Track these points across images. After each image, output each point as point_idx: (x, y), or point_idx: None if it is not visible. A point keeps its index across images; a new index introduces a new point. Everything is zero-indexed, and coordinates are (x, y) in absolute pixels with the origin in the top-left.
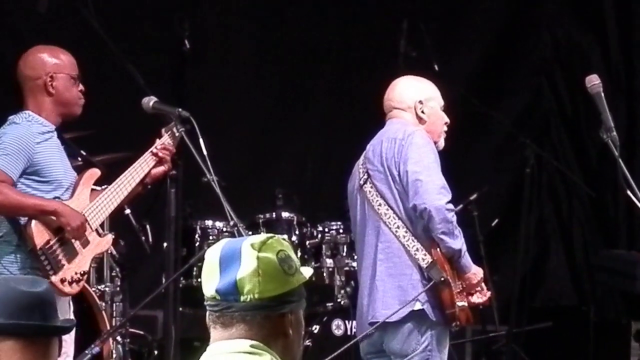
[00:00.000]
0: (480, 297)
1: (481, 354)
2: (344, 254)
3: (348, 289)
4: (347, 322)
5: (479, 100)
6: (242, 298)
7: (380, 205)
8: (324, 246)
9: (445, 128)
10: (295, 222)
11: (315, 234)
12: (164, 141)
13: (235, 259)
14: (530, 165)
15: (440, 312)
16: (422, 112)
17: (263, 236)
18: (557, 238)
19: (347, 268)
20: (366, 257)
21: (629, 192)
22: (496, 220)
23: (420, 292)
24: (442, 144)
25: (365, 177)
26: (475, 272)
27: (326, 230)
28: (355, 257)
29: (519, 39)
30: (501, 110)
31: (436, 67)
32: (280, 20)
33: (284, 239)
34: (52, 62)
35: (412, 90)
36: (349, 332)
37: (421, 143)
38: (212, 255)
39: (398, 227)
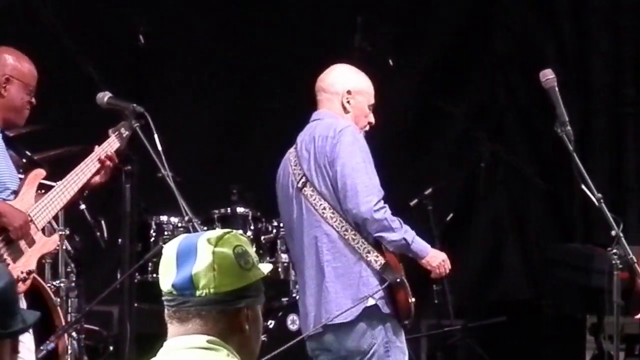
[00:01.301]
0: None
1: (436, 349)
2: None
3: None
4: (300, 318)
5: (435, 95)
6: (197, 293)
7: (324, 208)
8: (279, 241)
9: (368, 127)
10: (250, 217)
11: (270, 229)
12: (111, 143)
13: (191, 254)
14: (485, 159)
15: (393, 306)
16: (348, 102)
17: (220, 231)
18: (512, 232)
19: None
20: (307, 258)
21: (583, 186)
22: (451, 215)
23: (375, 292)
24: None
25: (304, 179)
26: (434, 256)
27: (281, 225)
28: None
29: (474, 34)
30: (457, 105)
31: (391, 63)
32: (236, 16)
33: (241, 235)
34: (13, 66)
35: (345, 79)
36: None
37: (349, 141)
38: (169, 250)
39: (346, 230)
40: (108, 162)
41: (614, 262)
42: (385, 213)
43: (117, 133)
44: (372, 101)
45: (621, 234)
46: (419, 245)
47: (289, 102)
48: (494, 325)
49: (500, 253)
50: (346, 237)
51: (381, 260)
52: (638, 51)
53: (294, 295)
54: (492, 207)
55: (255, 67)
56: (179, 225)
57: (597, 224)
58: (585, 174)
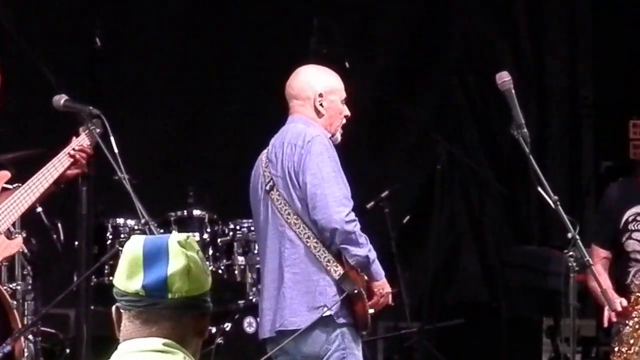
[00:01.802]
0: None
1: (393, 351)
2: (256, 252)
3: (259, 286)
4: (258, 319)
5: (391, 98)
6: (169, 295)
7: (289, 214)
8: (235, 244)
9: (344, 121)
10: (206, 220)
11: (226, 231)
12: (81, 142)
13: (161, 256)
14: (441, 162)
15: (351, 317)
16: (321, 105)
17: (184, 235)
18: (468, 235)
19: (258, 265)
20: (269, 261)
21: (539, 189)
22: (408, 217)
23: (333, 305)
24: (338, 138)
25: (271, 183)
26: (386, 283)
27: (237, 227)
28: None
29: (430, 36)
30: (413, 107)
31: (347, 65)
32: (192, 19)
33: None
34: None
35: (314, 82)
36: None
37: (319, 151)
38: (133, 251)
39: (309, 238)
40: (82, 154)
41: (570, 264)
42: (356, 226)
43: (87, 131)
44: (344, 95)
45: (577, 236)
46: (378, 267)
47: (246, 105)
48: (450, 328)
49: (457, 255)
50: (308, 244)
51: (340, 270)
52: (595, 53)
53: (250, 297)
54: (448, 210)
55: (212, 69)
56: (136, 227)
57: (554, 227)
58: (542, 177)
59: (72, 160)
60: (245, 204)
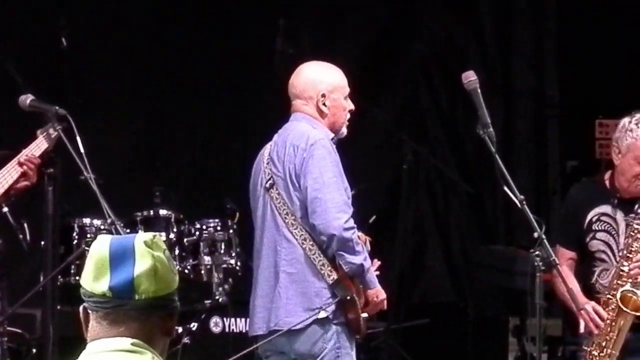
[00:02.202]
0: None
1: (359, 351)
2: (222, 251)
3: (226, 286)
4: (225, 319)
5: (357, 97)
6: (136, 296)
7: (287, 214)
8: (201, 243)
9: (349, 115)
10: (173, 220)
11: (193, 231)
12: (33, 149)
13: (128, 257)
14: (407, 161)
15: (344, 319)
16: (324, 104)
17: (150, 234)
18: (434, 234)
19: (225, 265)
20: (265, 258)
21: (506, 188)
22: (374, 217)
23: (327, 305)
24: (344, 132)
25: (271, 181)
26: (381, 290)
27: (204, 227)
28: (233, 253)
29: (397, 35)
30: (380, 106)
31: None
32: (158, 19)
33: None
34: None
35: (316, 82)
36: (227, 330)
37: (321, 155)
38: (99, 251)
39: (305, 239)
40: (29, 164)
41: (536, 263)
42: (354, 234)
43: (45, 134)
44: (347, 91)
45: (543, 236)
46: (372, 275)
47: (212, 104)
48: (417, 328)
49: (423, 255)
50: (304, 246)
51: (334, 275)
52: (561, 52)
53: (216, 297)
54: (414, 210)
55: (178, 69)
56: (102, 227)
57: (520, 226)
58: (508, 176)
59: (21, 170)
60: (212, 204)
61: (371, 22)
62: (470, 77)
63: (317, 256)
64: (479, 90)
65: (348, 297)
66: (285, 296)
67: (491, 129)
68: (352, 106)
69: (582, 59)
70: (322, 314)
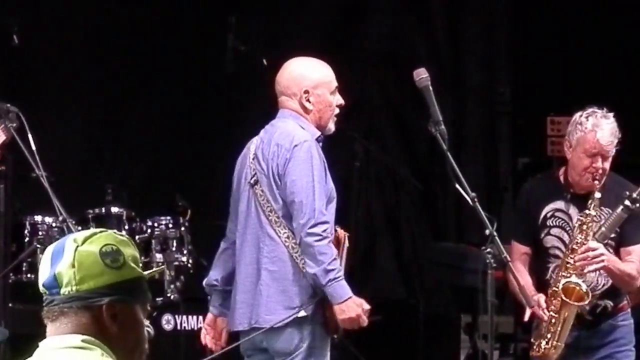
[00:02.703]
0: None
1: None
2: (174, 249)
3: (178, 284)
4: (176, 316)
5: None
6: (62, 291)
7: (271, 211)
8: (153, 241)
9: (337, 111)
10: (124, 217)
11: (144, 228)
12: None
13: (60, 254)
14: (359, 158)
15: (323, 318)
16: (308, 100)
17: (91, 231)
18: (385, 232)
19: (176, 263)
20: (247, 254)
21: (457, 186)
22: None
23: (308, 306)
24: (331, 128)
25: (256, 178)
26: (351, 305)
27: (155, 225)
28: (185, 251)
29: (348, 32)
30: None
31: (265, 62)
32: (109, 16)
33: (121, 235)
34: None
35: (300, 78)
36: (178, 327)
37: (303, 158)
38: (47, 251)
39: (288, 237)
40: None
41: (487, 261)
42: (319, 242)
43: (2, 126)
44: (334, 85)
45: (495, 233)
46: (336, 291)
47: (163, 102)
48: (368, 325)
49: (374, 252)
50: (287, 244)
51: None
52: (512, 49)
53: (168, 295)
54: (365, 207)
55: (130, 66)
56: (54, 225)
57: (471, 223)
58: (459, 173)
59: None
60: (164, 202)
61: (321, 19)
62: (421, 75)
63: (299, 254)
64: (430, 88)
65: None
66: (267, 294)
67: (443, 127)
68: (341, 101)
69: (533, 56)
70: (302, 313)
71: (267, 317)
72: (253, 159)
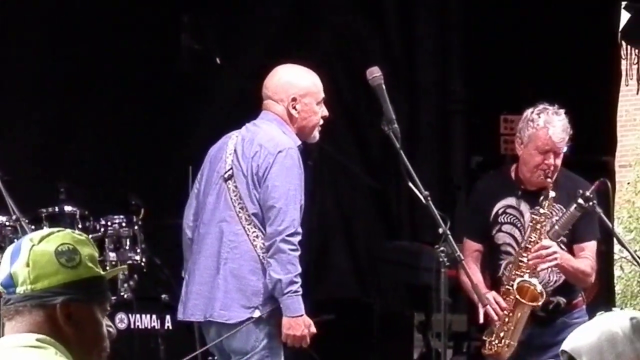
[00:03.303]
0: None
1: None
2: (127, 248)
3: (131, 283)
4: (130, 315)
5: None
6: (17, 290)
7: (242, 209)
8: (106, 240)
9: (322, 121)
10: (78, 216)
11: (98, 227)
12: None
13: (17, 253)
14: (312, 157)
15: (279, 321)
16: (294, 108)
17: (48, 230)
18: (339, 230)
19: (130, 261)
20: (208, 246)
21: (410, 184)
22: None
23: (264, 308)
24: (315, 137)
25: (231, 173)
26: (299, 324)
27: (109, 223)
28: (138, 249)
29: (300, 31)
30: None
31: (218, 61)
32: (63, 14)
33: (80, 235)
34: None
35: (288, 85)
36: (132, 326)
37: (287, 166)
38: (7, 251)
39: (256, 237)
40: None
41: (441, 259)
42: (291, 250)
43: None
44: (321, 97)
45: (448, 232)
46: (295, 303)
47: (116, 101)
48: (322, 324)
49: (327, 252)
50: (255, 243)
51: None
52: (465, 48)
53: (121, 294)
54: (319, 206)
55: (82, 65)
56: (7, 224)
57: (424, 222)
58: (413, 172)
59: None
60: (117, 200)
61: (275, 17)
62: (374, 73)
63: (265, 256)
64: (383, 86)
65: None
66: (224, 289)
67: (396, 125)
68: (326, 113)
69: (487, 54)
70: (257, 313)
71: (222, 311)
72: (230, 154)
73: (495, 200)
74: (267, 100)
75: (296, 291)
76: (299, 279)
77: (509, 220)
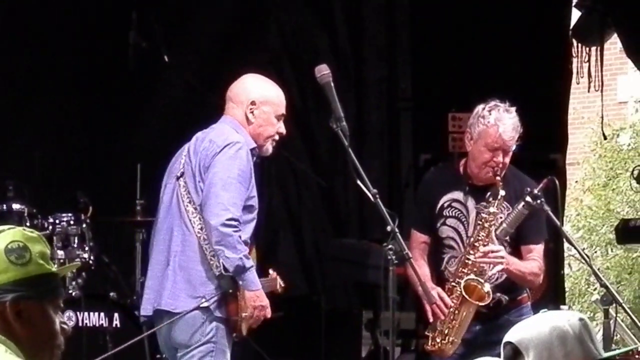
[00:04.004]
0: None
1: None
2: (75, 245)
3: (79, 280)
4: (78, 313)
5: (210, 91)
6: None
7: (189, 202)
8: (55, 237)
9: (277, 137)
10: (26, 214)
11: (46, 225)
12: None
13: None
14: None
15: (225, 314)
16: (252, 112)
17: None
18: (287, 228)
19: (78, 259)
20: (160, 242)
21: (358, 182)
22: None
23: (210, 298)
24: (268, 149)
25: (182, 170)
26: (261, 295)
27: (57, 221)
28: (86, 247)
29: (248, 28)
30: None
31: (166, 58)
32: (11, 11)
33: (31, 232)
34: None
35: (251, 89)
36: (80, 324)
37: (232, 156)
38: None
39: (201, 229)
40: None
41: (389, 257)
42: (234, 232)
43: None
44: (281, 111)
45: (396, 230)
46: (254, 277)
47: (64, 98)
48: (270, 321)
49: (274, 249)
50: (199, 235)
51: (221, 267)
52: (413, 45)
53: (70, 291)
54: (266, 203)
55: (31, 61)
56: None
57: (373, 220)
58: (361, 169)
59: None
60: (65, 198)
61: (223, 15)
62: (323, 71)
63: (209, 247)
64: (332, 84)
65: (230, 291)
66: (173, 280)
67: (344, 123)
68: (283, 130)
69: (435, 52)
70: (204, 304)
71: (169, 301)
72: (185, 155)
73: (442, 192)
74: (228, 104)
75: (252, 265)
76: (249, 256)
77: (453, 214)
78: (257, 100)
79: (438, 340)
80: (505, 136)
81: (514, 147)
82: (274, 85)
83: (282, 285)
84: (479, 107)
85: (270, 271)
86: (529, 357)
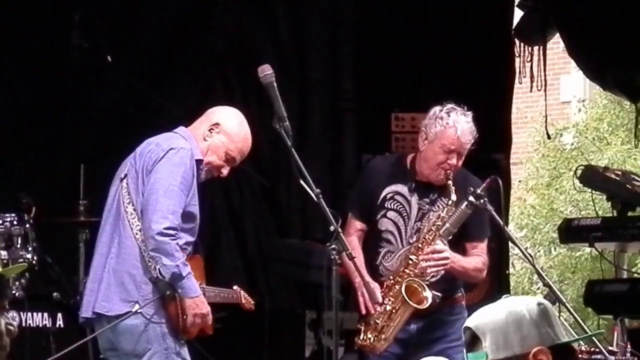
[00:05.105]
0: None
1: None
2: (19, 246)
3: (23, 281)
4: (21, 313)
5: (153, 92)
6: None
7: (129, 204)
8: None
9: (216, 174)
10: None
11: None
12: None
13: None
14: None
15: (166, 318)
16: (210, 131)
17: None
18: (229, 228)
19: (21, 260)
20: (102, 245)
21: (302, 182)
22: None
23: (144, 303)
24: (202, 177)
25: (126, 172)
26: (202, 302)
27: (0, 222)
28: (29, 248)
29: (191, 29)
30: (174, 101)
31: (109, 59)
32: None
33: None
34: None
35: (220, 115)
36: (23, 324)
37: (175, 162)
38: None
39: (139, 231)
40: None
41: (332, 257)
42: (171, 240)
43: None
44: (233, 155)
45: (340, 230)
46: (193, 285)
47: (6, 99)
48: (212, 321)
49: (216, 250)
50: (137, 237)
51: (158, 271)
52: (356, 46)
53: (13, 292)
54: (207, 203)
55: None
56: None
57: (316, 220)
58: (304, 170)
59: None
60: (9, 198)
61: (165, 15)
62: (266, 71)
63: (146, 251)
64: (274, 84)
65: (168, 293)
66: (107, 282)
67: (287, 123)
68: (225, 173)
69: (378, 52)
70: (137, 308)
71: (103, 303)
72: (133, 157)
73: (386, 183)
74: (199, 118)
75: (189, 272)
76: (187, 263)
77: (395, 207)
78: (220, 125)
79: (370, 335)
80: (463, 139)
81: (467, 151)
82: (246, 130)
83: (252, 302)
84: (436, 109)
85: (235, 287)
86: (486, 341)
